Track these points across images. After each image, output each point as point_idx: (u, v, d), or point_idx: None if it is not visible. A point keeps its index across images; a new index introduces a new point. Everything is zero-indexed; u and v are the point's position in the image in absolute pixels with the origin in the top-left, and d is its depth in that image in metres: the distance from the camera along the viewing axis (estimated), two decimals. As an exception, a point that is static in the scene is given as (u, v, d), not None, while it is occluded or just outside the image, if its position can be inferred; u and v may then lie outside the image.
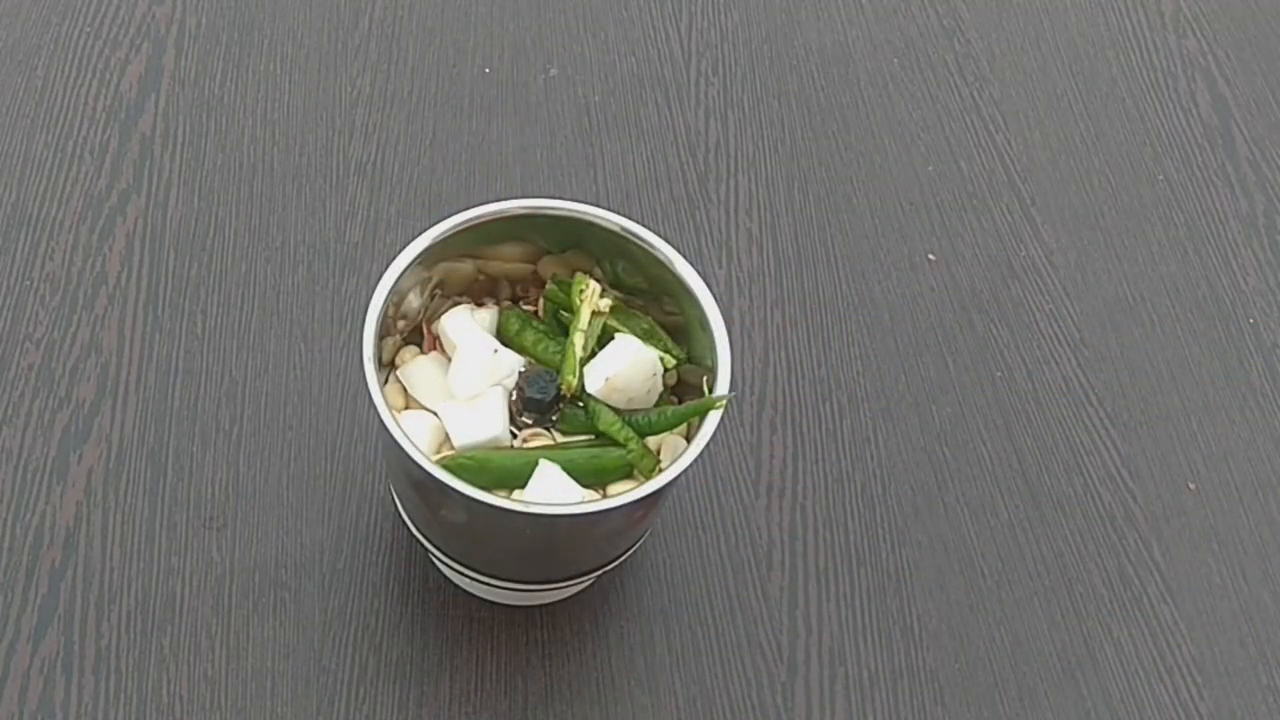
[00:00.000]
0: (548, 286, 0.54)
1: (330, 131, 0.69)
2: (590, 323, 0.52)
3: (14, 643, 0.54)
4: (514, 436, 0.52)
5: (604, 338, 0.52)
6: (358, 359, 0.49)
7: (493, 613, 0.56)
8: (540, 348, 0.53)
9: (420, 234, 0.51)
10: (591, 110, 0.71)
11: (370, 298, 0.50)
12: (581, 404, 0.52)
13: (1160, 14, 0.78)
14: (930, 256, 0.68)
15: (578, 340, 0.52)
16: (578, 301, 0.52)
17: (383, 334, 0.50)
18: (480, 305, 0.54)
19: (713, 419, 0.49)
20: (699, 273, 0.52)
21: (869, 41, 0.75)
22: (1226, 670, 0.57)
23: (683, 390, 0.53)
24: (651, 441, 0.52)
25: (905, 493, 0.61)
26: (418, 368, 0.52)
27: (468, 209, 0.52)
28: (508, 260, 0.54)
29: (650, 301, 0.54)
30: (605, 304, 0.53)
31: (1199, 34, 0.78)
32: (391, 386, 0.52)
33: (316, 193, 0.67)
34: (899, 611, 0.58)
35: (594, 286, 0.53)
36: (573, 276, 0.53)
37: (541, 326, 0.53)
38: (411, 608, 0.56)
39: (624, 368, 0.51)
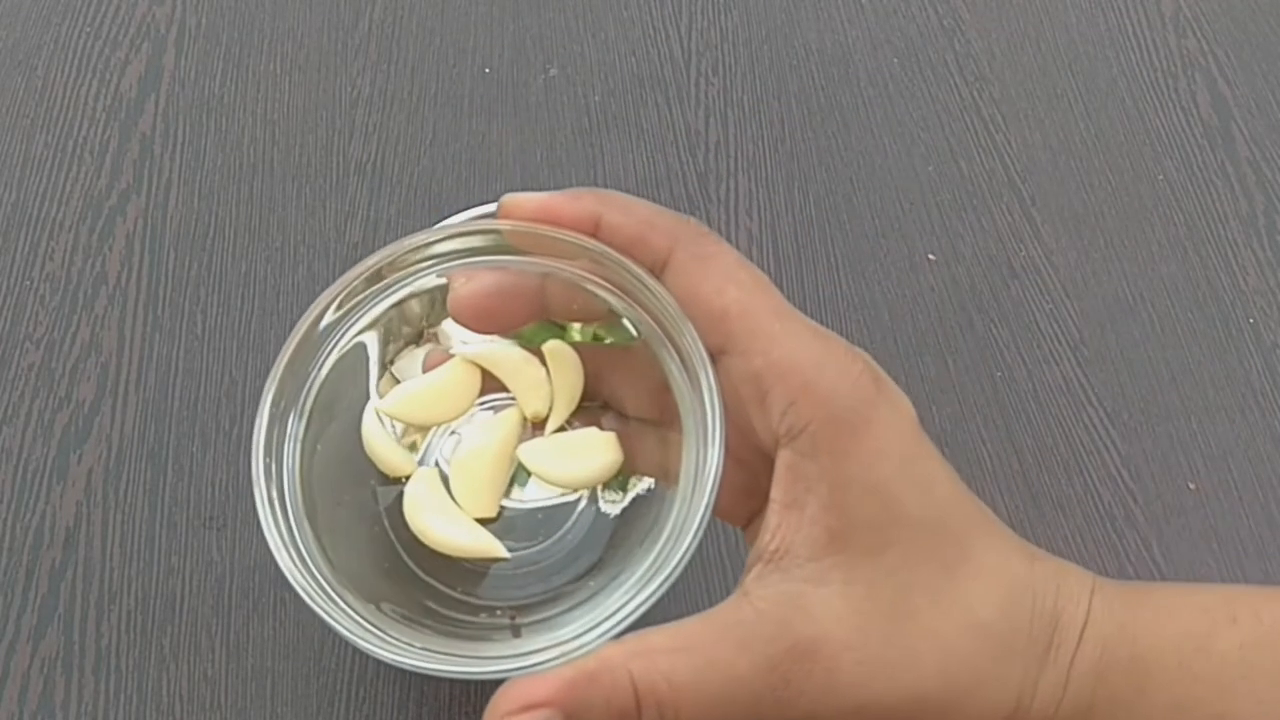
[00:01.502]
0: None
1: (330, 131, 0.69)
2: (582, 328, 0.52)
3: (14, 643, 0.54)
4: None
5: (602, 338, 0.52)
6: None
7: (493, 613, 0.56)
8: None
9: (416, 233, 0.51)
10: (591, 110, 0.71)
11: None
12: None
13: (1160, 14, 0.78)
14: (930, 256, 0.68)
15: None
16: None
17: (388, 340, 0.50)
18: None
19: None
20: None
21: (869, 41, 0.75)
22: (1226, 670, 0.57)
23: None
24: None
25: (905, 493, 0.61)
26: (412, 360, 0.52)
27: (468, 209, 0.52)
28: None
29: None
30: None
31: (1199, 34, 0.78)
32: (386, 381, 0.52)
33: (316, 193, 0.67)
34: (899, 611, 0.58)
35: None
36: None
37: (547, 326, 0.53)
38: (411, 608, 0.56)
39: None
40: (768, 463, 0.37)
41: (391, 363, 0.53)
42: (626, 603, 0.35)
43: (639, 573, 0.36)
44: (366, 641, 0.36)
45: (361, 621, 0.37)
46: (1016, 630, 0.37)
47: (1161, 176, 0.72)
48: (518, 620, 0.39)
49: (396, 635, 0.37)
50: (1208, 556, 0.60)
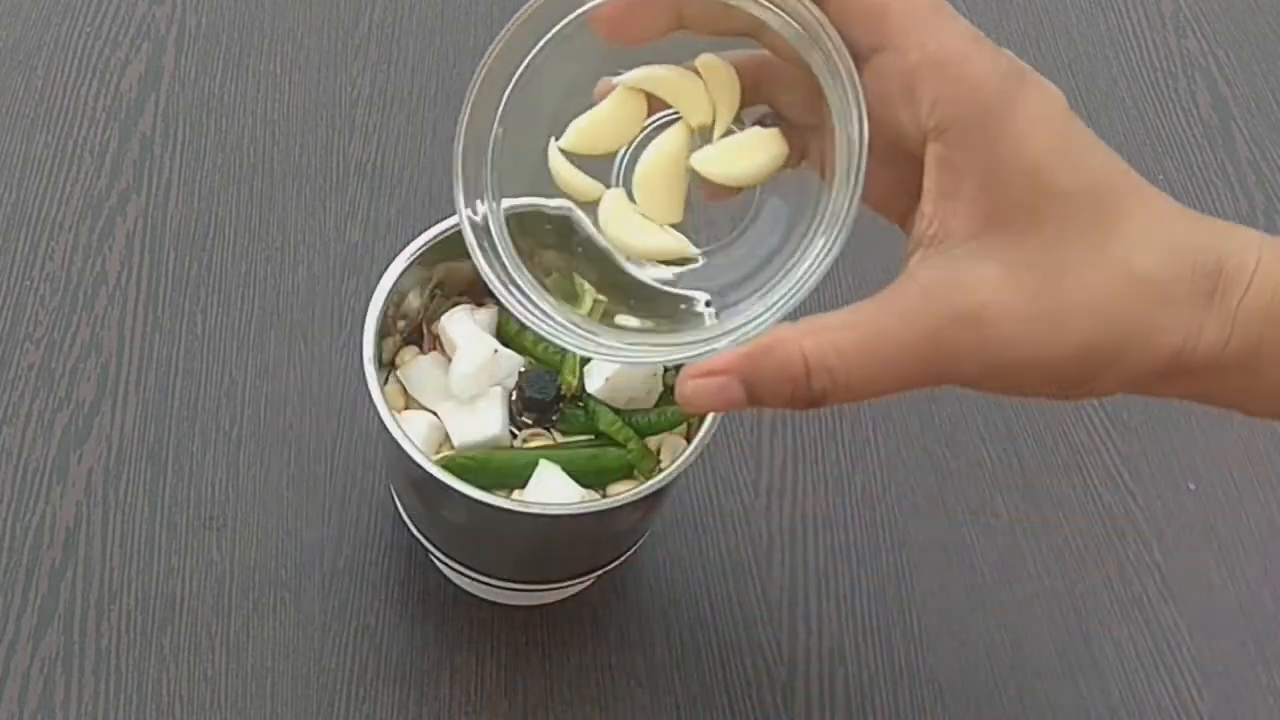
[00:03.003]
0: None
1: (330, 131, 0.69)
2: (591, 310, 0.52)
3: (14, 643, 0.54)
4: (514, 436, 0.52)
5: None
6: (358, 359, 0.49)
7: (493, 613, 0.56)
8: (540, 348, 0.52)
9: (420, 234, 0.51)
10: (591, 110, 0.71)
11: (370, 298, 0.50)
12: (581, 404, 0.52)
13: (1160, 14, 0.78)
14: (930, 256, 0.68)
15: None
16: (581, 289, 0.52)
17: (383, 334, 0.50)
18: (480, 305, 0.54)
19: (712, 419, 0.49)
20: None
21: (869, 41, 0.75)
22: (1226, 670, 0.57)
23: (683, 390, 0.53)
24: (651, 441, 0.51)
25: (905, 493, 0.61)
26: (418, 368, 0.52)
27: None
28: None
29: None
30: (604, 298, 0.53)
31: (1199, 34, 0.78)
32: (391, 386, 0.52)
33: (316, 193, 0.67)
34: (899, 612, 0.58)
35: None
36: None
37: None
38: (411, 608, 0.56)
39: (624, 368, 0.51)
40: (915, 164, 0.39)
41: (393, 364, 0.53)
42: (791, 287, 0.38)
43: (809, 259, 0.39)
44: (568, 338, 0.40)
45: (569, 324, 0.41)
46: (1178, 279, 0.37)
47: (1161, 176, 0.72)
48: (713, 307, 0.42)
49: (595, 332, 0.40)
50: (1208, 556, 0.60)
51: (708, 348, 0.38)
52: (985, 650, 0.57)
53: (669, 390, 0.53)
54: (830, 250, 0.38)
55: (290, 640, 0.55)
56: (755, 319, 0.38)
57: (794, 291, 0.38)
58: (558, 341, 0.40)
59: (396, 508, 0.54)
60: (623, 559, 0.53)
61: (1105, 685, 0.57)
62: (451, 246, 0.52)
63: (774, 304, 0.38)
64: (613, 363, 0.40)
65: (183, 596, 0.55)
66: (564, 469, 0.49)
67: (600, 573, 0.54)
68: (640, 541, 0.54)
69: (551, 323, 0.40)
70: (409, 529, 0.54)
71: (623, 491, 0.48)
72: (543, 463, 0.49)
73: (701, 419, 0.49)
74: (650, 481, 0.48)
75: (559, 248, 0.46)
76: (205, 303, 0.63)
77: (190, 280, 0.63)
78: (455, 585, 0.56)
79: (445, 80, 0.72)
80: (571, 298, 0.45)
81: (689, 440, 0.50)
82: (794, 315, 0.38)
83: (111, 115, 0.68)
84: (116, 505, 0.57)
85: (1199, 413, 0.64)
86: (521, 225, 0.45)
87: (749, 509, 0.60)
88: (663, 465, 0.51)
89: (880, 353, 0.38)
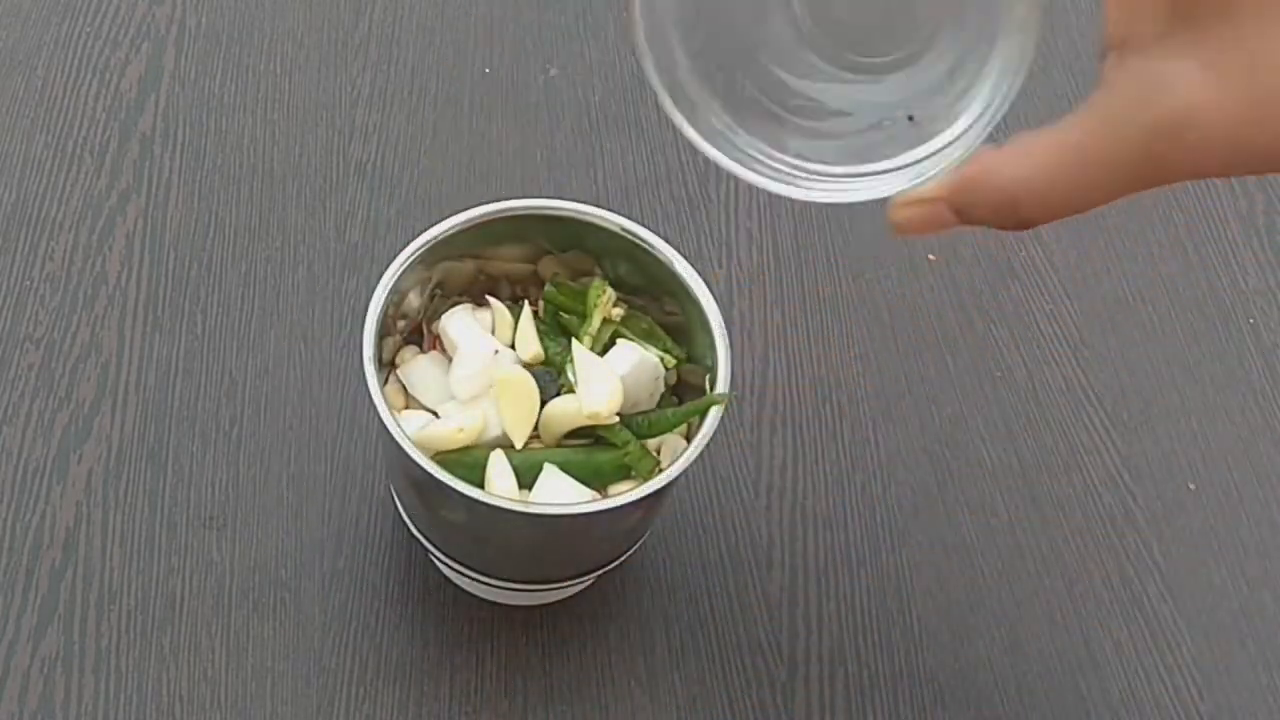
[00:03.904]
0: (547, 287, 0.54)
1: (330, 131, 0.69)
2: (600, 329, 0.52)
3: (14, 643, 0.54)
4: (514, 436, 0.52)
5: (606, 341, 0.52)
6: (358, 359, 0.49)
7: (493, 613, 0.56)
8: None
9: (420, 234, 0.51)
10: (591, 110, 0.71)
11: (370, 298, 0.50)
12: (582, 405, 0.52)
13: (1160, 14, 0.78)
14: (930, 257, 0.68)
15: (585, 344, 0.52)
16: (592, 306, 0.52)
17: (383, 334, 0.50)
18: (480, 305, 0.54)
19: (712, 419, 0.49)
20: (699, 273, 0.52)
21: (869, 41, 0.75)
22: (1226, 670, 0.57)
23: (683, 390, 0.53)
24: (651, 442, 0.52)
25: (905, 493, 0.61)
26: (418, 368, 0.52)
27: (468, 209, 0.52)
28: (508, 260, 0.54)
29: (650, 301, 0.54)
30: (618, 313, 0.53)
31: (1199, 34, 0.78)
32: (391, 386, 0.52)
33: (316, 193, 0.67)
34: (899, 612, 0.58)
35: (610, 294, 0.52)
36: (573, 277, 0.54)
37: (541, 327, 0.53)
38: (411, 608, 0.56)
39: (626, 373, 0.51)
40: None
41: (393, 364, 0.53)
42: (989, 105, 0.36)
43: (999, 65, 0.36)
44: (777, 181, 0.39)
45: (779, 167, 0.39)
46: None
47: (1161, 176, 0.72)
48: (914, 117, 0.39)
49: (802, 173, 0.39)
50: (1208, 556, 0.60)
51: (920, 178, 0.37)
52: (985, 650, 0.57)
53: (669, 391, 0.53)
54: (1025, 57, 0.36)
55: (290, 640, 0.55)
56: (957, 140, 0.37)
57: (995, 108, 0.36)
58: (771, 188, 0.39)
59: (396, 508, 0.54)
60: (623, 559, 0.53)
61: (1105, 685, 0.57)
62: (451, 246, 0.52)
63: (976, 122, 0.37)
64: (829, 201, 0.39)
65: (183, 596, 0.55)
66: (563, 469, 0.49)
67: (600, 573, 0.54)
68: (640, 541, 0.54)
69: (762, 166, 0.39)
70: (409, 529, 0.54)
71: (623, 492, 0.48)
72: (543, 463, 0.49)
73: (702, 419, 0.50)
74: (651, 482, 0.48)
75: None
76: (205, 303, 0.63)
77: (190, 280, 0.63)
78: (455, 585, 0.56)
79: (445, 80, 0.72)
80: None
81: (689, 440, 0.50)
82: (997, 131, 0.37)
83: (111, 115, 0.68)
84: (116, 505, 0.57)
85: (1199, 412, 0.64)
86: None
87: (749, 509, 0.60)
88: (663, 465, 0.51)
89: (1089, 176, 0.37)
